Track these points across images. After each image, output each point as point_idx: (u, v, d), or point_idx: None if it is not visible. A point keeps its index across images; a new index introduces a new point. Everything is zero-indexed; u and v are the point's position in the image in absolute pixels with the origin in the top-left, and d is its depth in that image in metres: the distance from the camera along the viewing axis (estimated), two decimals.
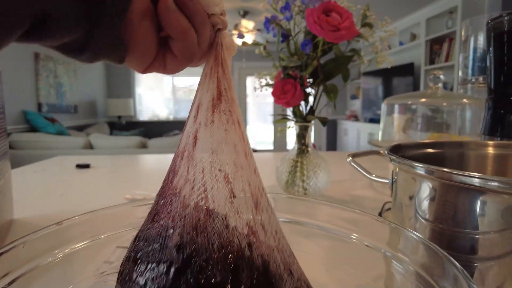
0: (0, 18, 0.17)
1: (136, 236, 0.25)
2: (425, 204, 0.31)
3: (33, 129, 3.15)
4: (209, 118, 0.24)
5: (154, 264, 0.21)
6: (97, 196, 0.82)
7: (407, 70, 4.11)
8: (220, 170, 0.23)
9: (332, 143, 5.93)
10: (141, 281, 0.21)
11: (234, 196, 0.22)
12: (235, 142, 0.24)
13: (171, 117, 5.79)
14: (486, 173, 0.39)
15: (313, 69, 0.70)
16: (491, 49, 0.65)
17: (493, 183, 0.25)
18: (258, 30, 4.13)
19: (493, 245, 0.27)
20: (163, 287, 0.20)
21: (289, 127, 0.80)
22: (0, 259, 0.25)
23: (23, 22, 0.19)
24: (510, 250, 0.26)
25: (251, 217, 0.22)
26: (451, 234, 0.29)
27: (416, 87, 3.97)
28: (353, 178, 0.95)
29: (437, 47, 3.73)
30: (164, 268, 0.21)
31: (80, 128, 4.14)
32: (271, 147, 6.09)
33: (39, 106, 3.53)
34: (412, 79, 4.04)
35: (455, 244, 0.29)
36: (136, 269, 0.22)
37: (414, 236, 0.26)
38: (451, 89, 3.33)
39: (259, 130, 6.22)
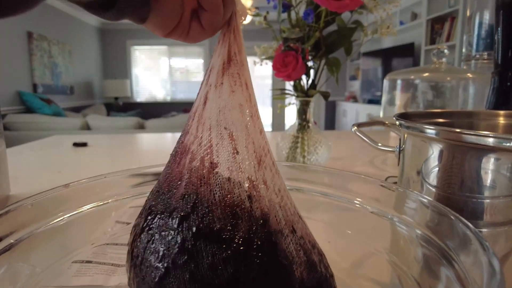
0: None
1: (152, 191, 0.26)
2: (434, 169, 0.30)
3: (28, 110, 3.11)
4: (218, 80, 0.25)
5: (162, 214, 0.23)
6: (96, 173, 0.81)
7: (407, 50, 4.06)
8: (225, 128, 0.24)
9: (330, 124, 5.92)
10: (151, 228, 0.23)
11: (237, 152, 0.23)
12: (241, 103, 0.25)
13: (168, 99, 5.75)
14: None
15: (315, 41, 0.68)
16: (499, 21, 0.64)
17: (507, 143, 0.24)
18: (257, 8, 4.06)
19: (502, 210, 0.27)
20: (167, 233, 0.21)
21: (289, 104, 0.79)
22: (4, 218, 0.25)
23: None
24: None
25: (253, 172, 0.23)
26: (459, 199, 0.29)
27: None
28: (353, 156, 0.94)
29: (438, 26, 3.67)
30: (169, 215, 0.22)
31: (77, 109, 4.10)
32: (269, 129, 6.08)
33: (34, 87, 3.48)
34: (412, 60, 3.99)
35: (463, 209, 0.28)
36: (147, 219, 0.24)
37: (424, 200, 0.26)
38: None
39: None
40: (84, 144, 1.12)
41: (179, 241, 0.21)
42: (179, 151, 0.25)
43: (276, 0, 0.71)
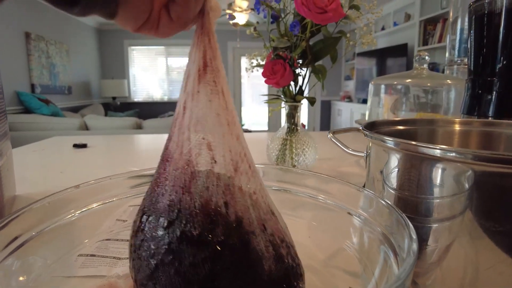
0: None
1: (147, 191, 0.28)
2: (393, 174, 0.35)
3: (27, 110, 3.14)
4: (195, 89, 0.26)
5: (152, 216, 0.26)
6: (96, 174, 0.85)
7: (401, 50, 4.12)
8: (203, 138, 0.25)
9: (325, 124, 5.98)
10: (144, 228, 0.26)
11: (215, 162, 0.25)
12: (218, 112, 0.26)
13: (165, 98, 5.78)
14: (452, 146, 0.43)
15: (302, 50, 0.73)
16: (472, 31, 0.68)
17: (450, 154, 0.29)
18: (252, 9, 4.08)
19: (447, 208, 0.31)
20: (156, 234, 0.25)
21: (282, 107, 0.83)
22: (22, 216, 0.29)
23: None
24: (459, 212, 0.30)
25: (229, 180, 0.25)
26: (413, 200, 0.33)
27: (409, 68, 3.98)
28: (341, 157, 0.99)
29: (431, 27, 3.73)
30: (158, 219, 0.25)
31: (75, 109, 4.13)
32: (266, 128, 6.12)
33: (32, 87, 3.51)
34: (406, 60, 4.05)
35: (416, 209, 0.33)
36: (142, 218, 0.26)
37: (382, 202, 0.30)
38: (443, 71, 3.35)
39: (254, 111, 6.23)
40: (84, 146, 1.16)
41: (166, 243, 0.24)
42: (165, 158, 0.27)
43: (266, 10, 0.75)
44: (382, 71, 4.56)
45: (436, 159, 0.30)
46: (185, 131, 0.26)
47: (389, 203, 0.30)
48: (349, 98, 5.49)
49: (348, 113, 5.17)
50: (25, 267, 0.31)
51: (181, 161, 0.26)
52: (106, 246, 0.41)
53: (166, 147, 0.28)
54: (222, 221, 0.24)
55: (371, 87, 0.95)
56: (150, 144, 1.34)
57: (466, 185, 0.29)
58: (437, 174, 0.31)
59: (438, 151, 0.30)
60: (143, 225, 0.26)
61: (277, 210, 0.30)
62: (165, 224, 0.24)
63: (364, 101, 4.81)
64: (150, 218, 0.26)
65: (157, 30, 0.27)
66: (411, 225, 0.25)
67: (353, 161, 0.93)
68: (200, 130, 0.25)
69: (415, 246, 0.21)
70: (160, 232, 0.24)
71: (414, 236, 0.23)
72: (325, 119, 5.99)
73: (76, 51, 4.56)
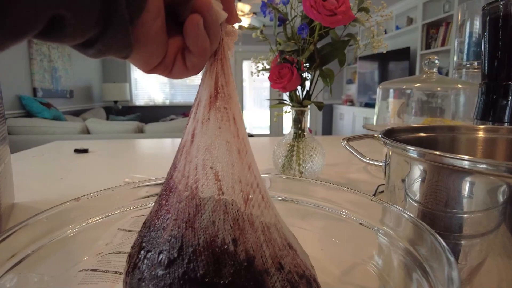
0: (16, 21, 0.17)
1: (144, 222, 0.26)
2: (416, 186, 0.32)
3: (28, 114, 3.12)
4: (205, 116, 0.25)
5: (152, 252, 0.23)
6: (97, 180, 0.83)
7: (403, 54, 4.10)
8: (211, 167, 0.24)
9: (327, 127, 5.95)
10: (142, 266, 0.23)
11: (223, 193, 0.23)
12: (228, 140, 0.24)
13: (167, 102, 5.77)
14: (476, 156, 0.41)
15: (310, 54, 0.71)
16: (486, 34, 0.66)
17: (481, 165, 0.27)
18: (254, 13, 4.08)
19: (478, 224, 0.29)
20: (156, 274, 0.22)
21: (286, 112, 0.81)
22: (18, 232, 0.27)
23: (37, 26, 0.18)
24: (493, 228, 0.28)
25: (238, 214, 0.23)
26: (440, 214, 0.31)
27: (411, 71, 3.97)
28: (348, 162, 0.97)
29: (434, 31, 3.71)
30: (159, 256, 0.23)
31: (76, 113, 4.11)
32: (267, 131, 6.10)
33: (34, 91, 3.50)
34: (408, 63, 4.03)
35: (443, 224, 0.31)
36: (140, 254, 0.24)
37: (405, 215, 0.28)
38: (447, 74, 3.34)
39: (256, 115, 6.22)
40: (85, 151, 1.14)
41: (167, 284, 0.21)
42: (168, 188, 0.25)
43: (272, 13, 0.73)
44: (384, 74, 4.54)
45: (465, 171, 0.28)
46: (192, 159, 0.24)
47: (413, 216, 0.27)
48: (351, 102, 5.47)
49: (350, 117, 5.15)
50: (20, 284, 0.28)
51: (186, 193, 0.23)
52: (107, 260, 0.39)
53: (170, 176, 0.26)
54: (229, 260, 0.21)
55: (379, 91, 0.93)
56: (152, 148, 1.32)
57: (500, 199, 0.27)
58: (466, 187, 0.29)
59: (467, 162, 0.27)
60: (140, 261, 0.23)
61: (296, 241, 0.27)
62: (166, 262, 0.22)
63: (367, 105, 4.78)
64: (149, 255, 0.23)
65: (170, 73, 0.28)
66: (446, 246, 0.22)
67: (361, 167, 0.90)
68: (208, 159, 0.24)
69: (455, 274, 0.19)
70: (160, 272, 0.22)
71: (452, 259, 0.21)
72: (327, 123, 5.96)
73: (78, 55, 4.53)
